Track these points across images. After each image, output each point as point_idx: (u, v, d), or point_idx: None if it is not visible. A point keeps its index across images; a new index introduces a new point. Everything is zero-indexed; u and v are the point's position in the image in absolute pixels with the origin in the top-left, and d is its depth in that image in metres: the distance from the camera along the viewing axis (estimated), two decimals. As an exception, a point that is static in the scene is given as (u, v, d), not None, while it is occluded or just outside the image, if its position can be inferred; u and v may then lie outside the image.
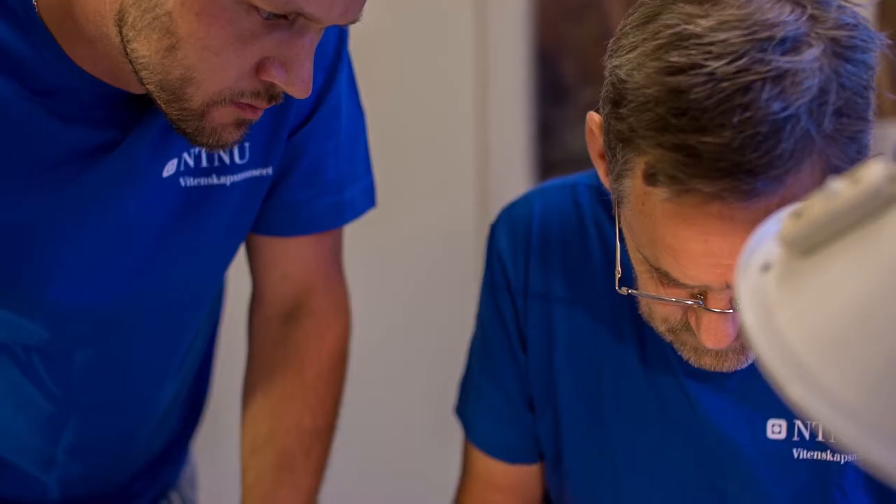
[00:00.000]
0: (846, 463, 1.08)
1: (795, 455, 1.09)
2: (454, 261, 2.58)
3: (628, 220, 0.97)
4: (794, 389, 0.60)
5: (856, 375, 0.58)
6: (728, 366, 1.02)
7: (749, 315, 0.64)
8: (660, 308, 1.00)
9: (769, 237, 0.69)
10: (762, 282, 0.66)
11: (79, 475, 1.25)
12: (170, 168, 1.08)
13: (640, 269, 1.00)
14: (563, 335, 1.17)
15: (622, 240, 1.02)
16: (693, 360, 1.03)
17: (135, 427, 1.26)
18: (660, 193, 0.90)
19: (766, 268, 0.66)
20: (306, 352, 1.26)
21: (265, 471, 1.22)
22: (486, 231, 1.23)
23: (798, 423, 1.08)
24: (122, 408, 1.23)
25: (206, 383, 1.40)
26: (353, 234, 1.37)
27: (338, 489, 2.73)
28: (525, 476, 1.24)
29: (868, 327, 0.58)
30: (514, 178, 2.52)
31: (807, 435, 1.08)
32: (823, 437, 1.08)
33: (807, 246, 0.64)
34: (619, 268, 1.03)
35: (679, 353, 1.04)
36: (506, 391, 1.20)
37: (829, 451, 1.08)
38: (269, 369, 1.27)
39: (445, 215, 2.60)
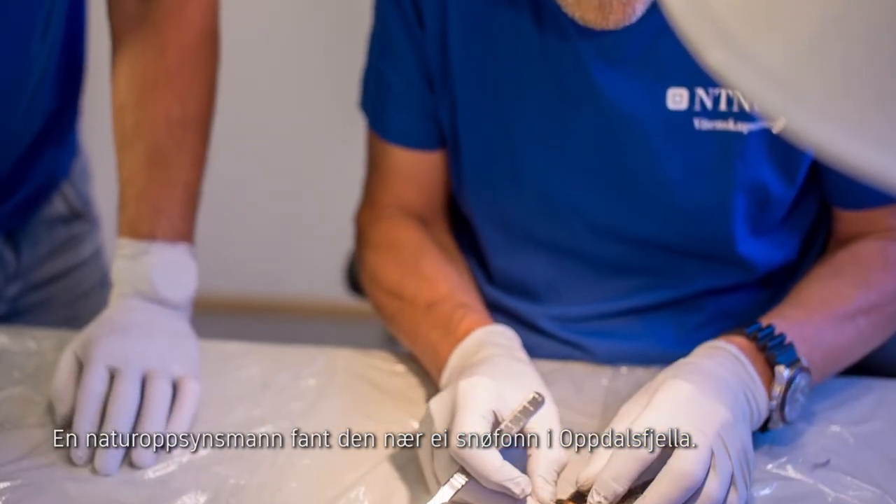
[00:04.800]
0: (749, 133, 1.06)
1: (696, 125, 1.06)
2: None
3: None
4: (713, 54, 0.54)
5: (784, 38, 0.53)
6: (613, 19, 0.99)
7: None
8: None
9: None
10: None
11: None
12: None
13: None
14: (457, 6, 1.12)
15: None
16: (578, 15, 1.00)
17: (6, 97, 1.17)
18: None
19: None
20: (165, 31, 1.17)
21: (137, 166, 1.16)
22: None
23: (700, 92, 1.05)
24: None
25: (80, 55, 1.30)
26: None
27: (241, 192, 2.71)
28: (429, 165, 1.22)
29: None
30: None
31: (709, 105, 1.05)
32: (729, 105, 1.05)
33: None
34: None
35: (564, 9, 1.01)
36: (406, 75, 1.17)
37: (731, 121, 1.06)
38: (130, 55, 1.18)
39: None
